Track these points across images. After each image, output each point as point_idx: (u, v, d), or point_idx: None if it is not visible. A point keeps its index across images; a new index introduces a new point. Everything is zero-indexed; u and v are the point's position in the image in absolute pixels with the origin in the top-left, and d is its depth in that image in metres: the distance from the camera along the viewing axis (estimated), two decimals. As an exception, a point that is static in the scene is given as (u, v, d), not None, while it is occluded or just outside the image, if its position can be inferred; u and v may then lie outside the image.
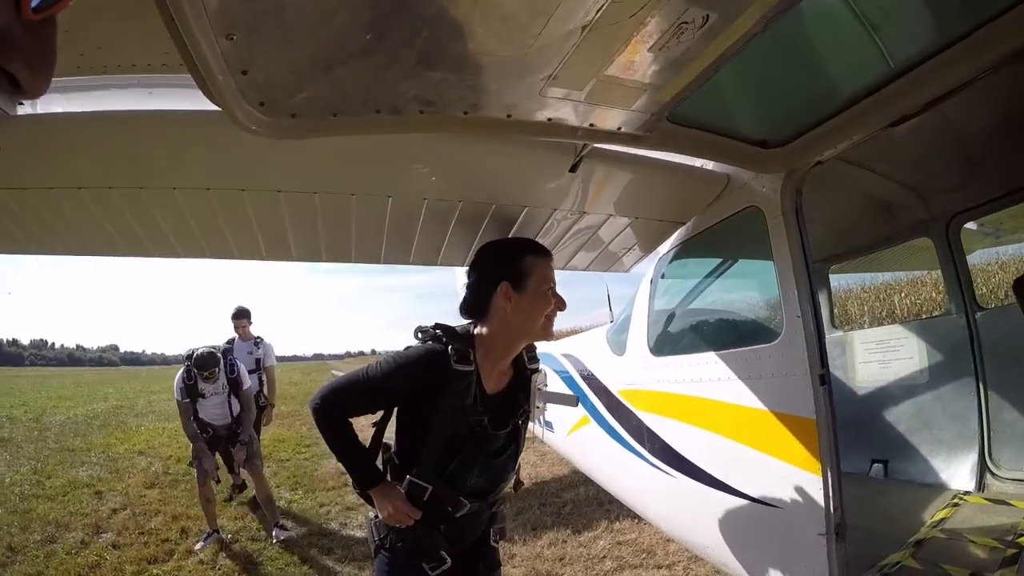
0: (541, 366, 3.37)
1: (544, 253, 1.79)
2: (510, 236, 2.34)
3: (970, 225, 3.41)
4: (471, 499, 1.76)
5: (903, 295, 11.62)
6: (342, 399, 1.73)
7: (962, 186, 3.16)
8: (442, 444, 1.68)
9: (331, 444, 1.77)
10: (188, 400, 4.85)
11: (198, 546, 4.76)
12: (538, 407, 1.99)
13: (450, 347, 1.67)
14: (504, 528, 2.00)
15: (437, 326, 1.76)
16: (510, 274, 1.70)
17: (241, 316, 5.98)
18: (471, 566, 1.88)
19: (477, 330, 1.76)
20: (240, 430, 5.06)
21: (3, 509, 5.95)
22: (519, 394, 1.85)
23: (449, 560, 1.75)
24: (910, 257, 4.11)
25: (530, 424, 1.93)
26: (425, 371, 1.67)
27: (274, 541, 4.90)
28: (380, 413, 1.86)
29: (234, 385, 5.11)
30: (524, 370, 1.89)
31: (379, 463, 1.83)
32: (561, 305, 1.75)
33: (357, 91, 1.34)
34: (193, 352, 4.94)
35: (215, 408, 5.00)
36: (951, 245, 3.32)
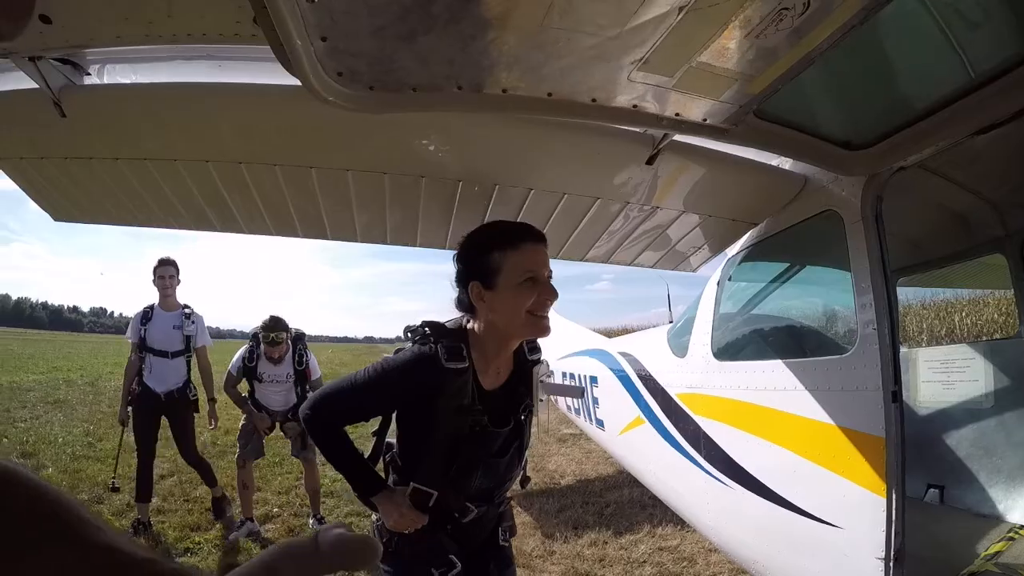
0: (587, 360, 3.36)
1: (516, 240, 1.55)
2: (516, 220, 2.19)
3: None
4: (477, 503, 1.71)
5: (964, 314, 11.22)
6: (332, 410, 1.67)
7: (1043, 202, 3.00)
8: (443, 447, 1.62)
9: (325, 454, 1.72)
10: (241, 375, 4.68)
11: (231, 536, 4.43)
12: (541, 400, 1.86)
13: (439, 346, 1.59)
14: (513, 526, 1.93)
15: (425, 324, 1.68)
16: (478, 272, 1.57)
17: (166, 265, 4.66)
18: (483, 566, 1.81)
19: (470, 325, 1.66)
20: (293, 416, 4.69)
21: (54, 468, 6.17)
22: (520, 388, 1.75)
23: (459, 564, 1.69)
24: (981, 274, 3.93)
25: (540, 417, 1.91)
26: (413, 378, 1.60)
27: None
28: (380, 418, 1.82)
29: (301, 377, 4.74)
30: (525, 362, 1.78)
31: (383, 463, 1.82)
32: (547, 295, 1.55)
33: (440, 64, 1.31)
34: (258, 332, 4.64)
35: (276, 395, 4.73)
36: (1026, 264, 3.16)
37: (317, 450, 4.06)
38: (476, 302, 1.59)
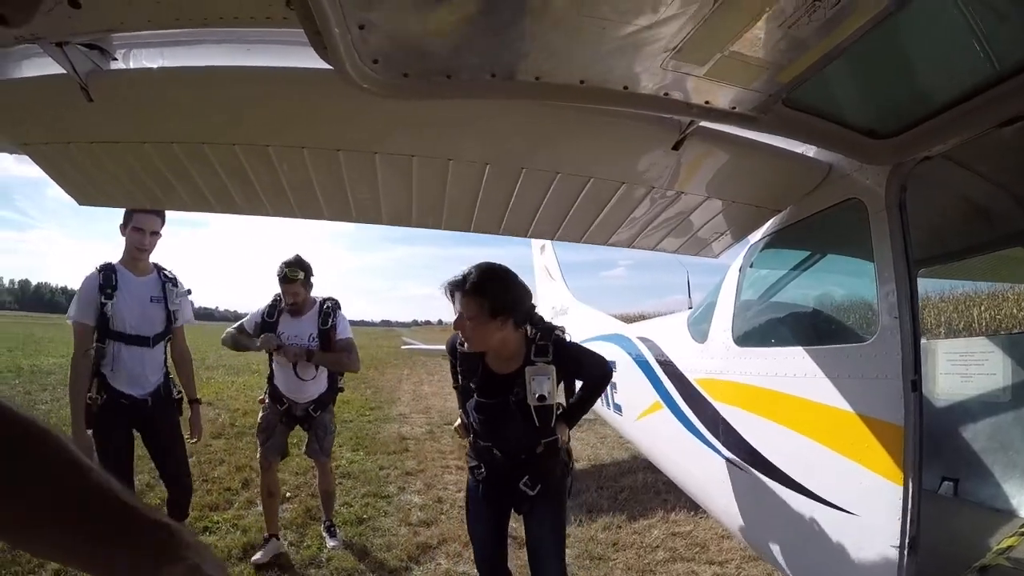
0: (606, 344, 3.95)
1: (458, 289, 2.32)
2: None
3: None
4: (485, 440, 2.50)
5: (982, 308, 11.14)
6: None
7: (1065, 196, 2.98)
8: (466, 395, 2.50)
9: (453, 385, 2.66)
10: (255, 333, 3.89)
11: (256, 557, 3.72)
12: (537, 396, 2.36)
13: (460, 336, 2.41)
14: (540, 477, 2.46)
15: None
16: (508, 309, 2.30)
17: (149, 214, 3.29)
18: (509, 496, 2.53)
19: None
20: (316, 411, 4.01)
21: (77, 451, 6.24)
22: (517, 382, 2.36)
23: (484, 470, 2.53)
24: (1001, 267, 3.92)
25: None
26: (449, 350, 2.57)
27: (329, 547, 4.04)
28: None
29: (325, 340, 3.91)
30: (528, 362, 2.37)
31: None
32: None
33: (474, 52, 1.33)
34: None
35: (292, 381, 3.87)
36: (1046, 258, 3.15)
37: (331, 448, 4.20)
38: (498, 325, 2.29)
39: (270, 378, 4.03)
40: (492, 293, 2.23)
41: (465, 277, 2.25)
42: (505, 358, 2.39)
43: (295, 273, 3.80)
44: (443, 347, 3.12)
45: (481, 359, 2.42)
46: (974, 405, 3.38)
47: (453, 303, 2.31)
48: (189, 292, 3.61)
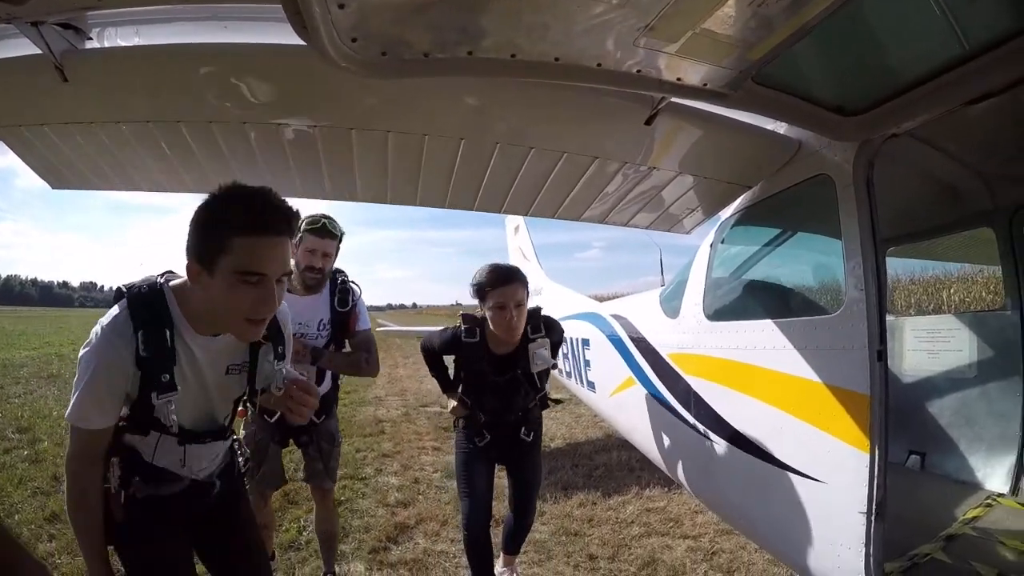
0: (579, 323, 4.93)
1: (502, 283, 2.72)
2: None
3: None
4: (493, 415, 2.96)
5: (952, 291, 11.35)
6: (429, 352, 3.15)
7: (1031, 178, 3.06)
8: (469, 379, 3.00)
9: (432, 374, 3.21)
10: None
11: None
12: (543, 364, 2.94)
13: (461, 327, 2.89)
14: (533, 430, 3.10)
15: (461, 315, 2.96)
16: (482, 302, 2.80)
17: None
18: (508, 448, 3.06)
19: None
20: (320, 415, 2.98)
21: (50, 441, 6.22)
22: (520, 358, 2.89)
23: (488, 436, 2.99)
24: (970, 248, 3.98)
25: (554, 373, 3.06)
26: (446, 344, 3.00)
27: None
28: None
29: (340, 327, 2.93)
30: (527, 340, 2.87)
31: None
32: (504, 319, 2.73)
33: (452, 30, 1.34)
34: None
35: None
36: (1013, 238, 3.22)
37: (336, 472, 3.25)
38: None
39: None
40: (526, 281, 2.79)
41: (508, 270, 2.77)
42: (503, 341, 2.82)
43: (333, 225, 2.82)
44: (420, 329, 3.89)
45: (485, 345, 2.87)
46: (940, 381, 3.47)
47: (485, 300, 2.73)
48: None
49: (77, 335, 24.41)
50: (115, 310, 1.57)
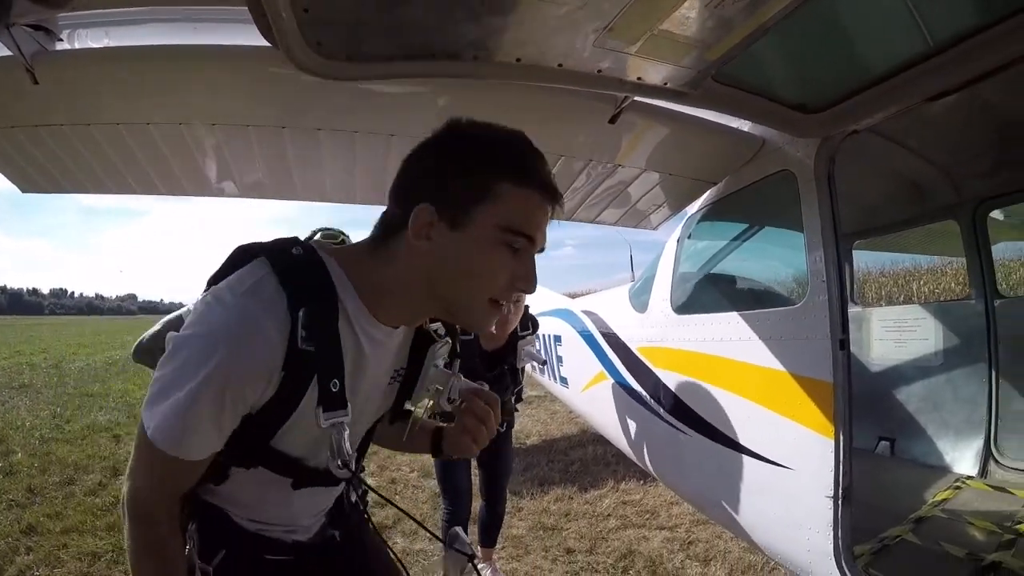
0: (551, 319, 4.98)
1: None
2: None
3: (997, 214, 3.40)
4: None
5: (922, 282, 11.59)
6: None
7: (993, 172, 3.15)
8: (471, 375, 2.69)
9: None
10: None
11: None
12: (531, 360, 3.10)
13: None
14: (507, 422, 3.18)
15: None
16: None
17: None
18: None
19: None
20: None
21: (24, 452, 6.11)
22: (508, 353, 2.97)
23: None
24: (936, 240, 4.10)
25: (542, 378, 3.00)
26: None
27: None
28: None
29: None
30: (515, 337, 2.98)
31: None
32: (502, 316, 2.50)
33: (415, 34, 1.37)
34: None
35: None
36: (977, 230, 3.32)
37: None
38: None
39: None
40: None
41: None
42: (490, 337, 2.89)
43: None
44: None
45: (478, 342, 2.88)
46: (908, 369, 3.56)
47: None
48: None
49: (48, 343, 24.09)
50: (249, 274, 0.97)
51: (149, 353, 1.57)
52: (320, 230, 1.55)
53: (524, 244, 1.02)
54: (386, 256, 1.04)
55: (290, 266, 0.97)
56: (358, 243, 1.12)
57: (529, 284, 1.03)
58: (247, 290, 0.94)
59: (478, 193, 0.99)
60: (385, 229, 1.05)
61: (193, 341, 0.92)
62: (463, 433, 1.23)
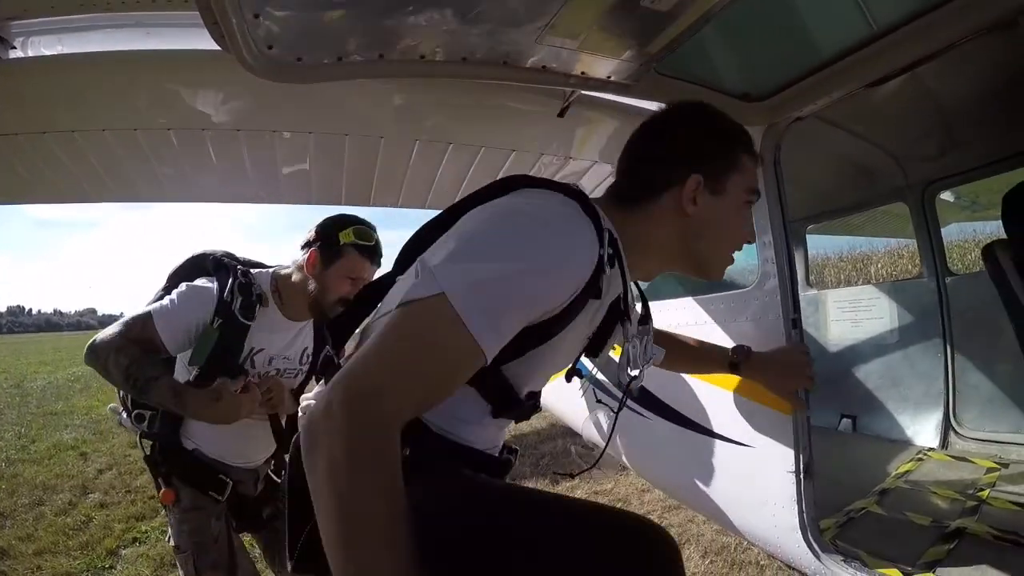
0: None
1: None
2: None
3: (947, 196, 3.51)
4: None
5: (879, 265, 11.92)
6: None
7: (939, 154, 3.24)
8: None
9: None
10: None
11: None
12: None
13: None
14: None
15: None
16: None
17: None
18: None
19: None
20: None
21: (-10, 462, 6.00)
22: None
23: None
24: (887, 223, 4.20)
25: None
26: None
27: None
28: None
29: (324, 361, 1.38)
30: None
31: None
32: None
33: (363, 35, 1.39)
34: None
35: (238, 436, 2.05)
36: (926, 212, 3.41)
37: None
38: None
39: (164, 437, 2.04)
40: None
41: None
42: None
43: (375, 241, 2.11)
44: None
45: None
46: (865, 347, 3.65)
47: None
48: None
49: (8, 363, 23.51)
50: (562, 203, 1.05)
51: (111, 364, 1.82)
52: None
53: (751, 203, 1.27)
54: (642, 216, 1.21)
55: (590, 207, 1.07)
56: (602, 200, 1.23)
57: (754, 235, 1.30)
58: (557, 211, 1.02)
59: (732, 164, 1.21)
60: (643, 191, 1.22)
61: (515, 218, 1.01)
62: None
